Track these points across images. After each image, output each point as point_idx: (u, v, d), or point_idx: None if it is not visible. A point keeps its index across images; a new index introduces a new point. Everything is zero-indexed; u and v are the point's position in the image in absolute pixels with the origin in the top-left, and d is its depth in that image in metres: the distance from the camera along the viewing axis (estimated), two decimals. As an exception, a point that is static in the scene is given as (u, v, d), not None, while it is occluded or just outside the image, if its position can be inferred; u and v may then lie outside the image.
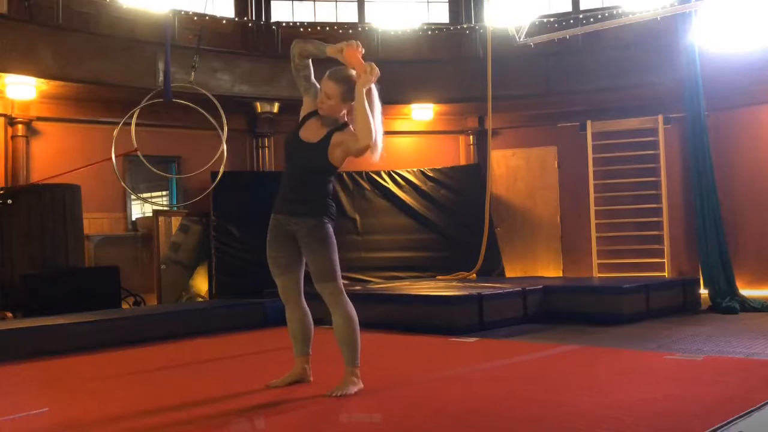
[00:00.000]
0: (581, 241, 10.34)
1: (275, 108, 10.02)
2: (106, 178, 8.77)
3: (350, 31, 10.95)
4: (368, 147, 3.47)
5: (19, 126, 8.92)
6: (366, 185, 10.12)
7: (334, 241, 3.62)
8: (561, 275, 10.54)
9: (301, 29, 10.75)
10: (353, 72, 3.53)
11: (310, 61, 3.68)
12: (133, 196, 9.61)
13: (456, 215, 10.18)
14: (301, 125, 3.67)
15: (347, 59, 3.52)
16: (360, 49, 3.53)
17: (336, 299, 3.58)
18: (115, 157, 7.50)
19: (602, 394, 3.45)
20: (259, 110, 10.22)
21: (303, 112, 3.71)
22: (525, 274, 10.55)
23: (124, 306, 8.22)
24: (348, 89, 3.53)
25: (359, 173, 10.15)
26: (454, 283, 7.95)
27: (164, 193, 10.53)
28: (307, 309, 3.78)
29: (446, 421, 3.01)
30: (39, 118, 9.10)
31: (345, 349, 3.57)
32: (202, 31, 8.43)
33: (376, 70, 3.50)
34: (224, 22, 10.55)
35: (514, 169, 11.02)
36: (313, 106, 3.66)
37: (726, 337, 5.51)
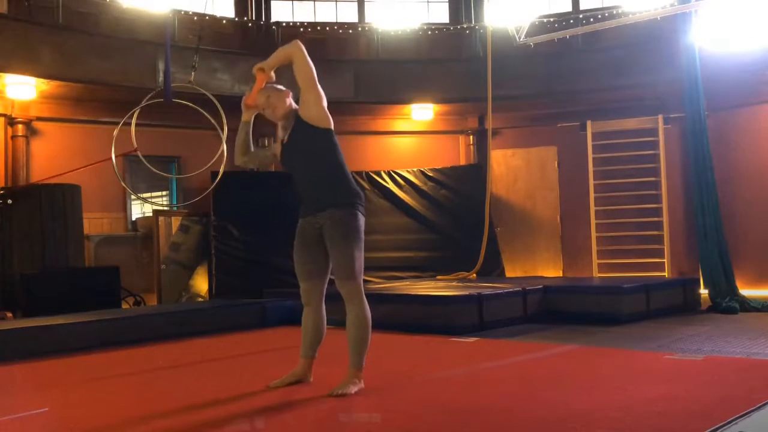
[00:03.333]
0: (581, 241, 10.34)
1: (275, 108, 10.00)
2: (106, 178, 8.77)
3: (350, 31, 10.95)
4: (297, 47, 3.62)
5: (19, 126, 8.93)
6: (366, 185, 10.12)
7: (362, 236, 3.58)
8: (561, 275, 10.54)
9: (301, 29, 10.76)
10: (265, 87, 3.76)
11: (251, 145, 3.84)
12: (133, 196, 9.61)
13: (456, 215, 10.18)
14: (284, 144, 3.75)
15: (252, 101, 3.76)
16: (247, 91, 3.90)
17: (353, 298, 3.56)
18: (115, 157, 7.49)
19: (602, 394, 3.44)
20: (261, 110, 10.21)
21: (279, 150, 3.79)
22: (525, 274, 10.55)
23: (124, 306, 8.22)
24: (272, 86, 3.73)
25: (359, 173, 10.15)
26: (454, 283, 7.95)
27: (164, 193, 10.53)
28: (324, 315, 3.76)
29: (446, 421, 3.01)
30: (39, 118, 9.10)
31: (353, 349, 3.56)
32: (202, 31, 8.41)
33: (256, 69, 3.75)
34: (224, 22, 10.55)
35: (514, 169, 11.02)
36: (280, 137, 3.78)
37: (726, 337, 5.51)
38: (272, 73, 3.76)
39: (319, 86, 3.62)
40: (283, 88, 3.74)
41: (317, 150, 3.59)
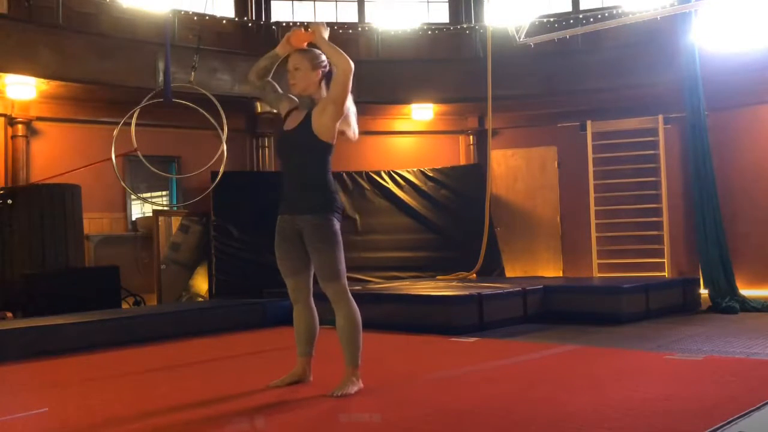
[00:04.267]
0: (581, 241, 10.34)
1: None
2: (106, 178, 8.77)
3: (350, 31, 10.95)
4: (349, 69, 3.46)
5: (19, 126, 8.93)
6: (366, 185, 10.12)
7: (340, 239, 3.59)
8: (561, 275, 10.54)
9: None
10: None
11: (269, 75, 3.76)
12: (133, 196, 9.61)
13: (456, 215, 10.18)
14: (285, 122, 3.72)
15: (296, 43, 3.63)
16: (301, 30, 3.62)
17: (339, 299, 3.57)
18: (115, 157, 7.49)
19: (602, 394, 3.44)
20: (259, 110, 10.22)
21: (283, 115, 3.74)
22: (525, 274, 10.55)
23: (124, 306, 8.22)
24: (312, 55, 3.63)
25: (359, 173, 10.16)
26: (454, 283, 7.95)
27: (164, 193, 10.53)
28: (315, 311, 3.77)
29: (446, 421, 3.01)
30: (39, 118, 9.10)
31: (346, 349, 3.57)
32: (202, 31, 8.43)
33: (322, 24, 3.61)
34: (224, 22, 10.55)
35: (514, 169, 11.02)
36: (290, 105, 3.72)
37: (726, 337, 5.51)
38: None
39: (345, 107, 3.53)
40: (320, 65, 3.61)
41: (309, 156, 3.59)
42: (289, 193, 3.65)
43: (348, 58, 3.50)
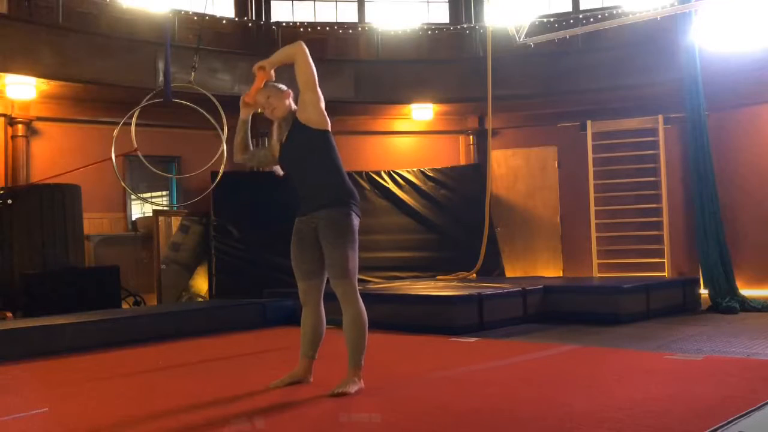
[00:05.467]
0: (581, 241, 10.34)
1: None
2: (106, 178, 8.77)
3: (350, 31, 10.95)
4: (301, 49, 3.60)
5: (19, 126, 8.94)
6: (366, 185, 10.12)
7: (356, 237, 3.57)
8: (561, 275, 10.54)
9: (301, 29, 10.76)
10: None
11: (250, 144, 3.85)
12: (133, 196, 9.61)
13: (456, 215, 10.17)
14: (282, 141, 3.76)
15: (250, 98, 3.76)
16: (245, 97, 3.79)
17: (348, 298, 3.55)
18: (115, 157, 7.49)
19: (602, 394, 3.44)
20: (258, 110, 10.22)
21: (277, 151, 3.77)
22: (525, 274, 10.55)
23: (124, 306, 8.22)
24: (272, 85, 3.73)
25: (359, 173, 10.15)
26: (454, 283, 7.95)
27: (164, 193, 10.53)
28: (323, 315, 3.76)
29: (446, 421, 3.01)
30: (39, 118, 9.11)
31: (350, 350, 3.56)
32: (202, 31, 8.42)
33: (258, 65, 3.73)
34: (224, 22, 10.56)
35: (514, 169, 11.02)
36: (278, 139, 3.78)
37: (726, 337, 5.51)
38: (272, 72, 3.75)
39: (318, 88, 3.62)
40: (284, 88, 3.73)
41: (314, 151, 3.60)
42: (304, 195, 3.65)
43: (294, 44, 3.64)
